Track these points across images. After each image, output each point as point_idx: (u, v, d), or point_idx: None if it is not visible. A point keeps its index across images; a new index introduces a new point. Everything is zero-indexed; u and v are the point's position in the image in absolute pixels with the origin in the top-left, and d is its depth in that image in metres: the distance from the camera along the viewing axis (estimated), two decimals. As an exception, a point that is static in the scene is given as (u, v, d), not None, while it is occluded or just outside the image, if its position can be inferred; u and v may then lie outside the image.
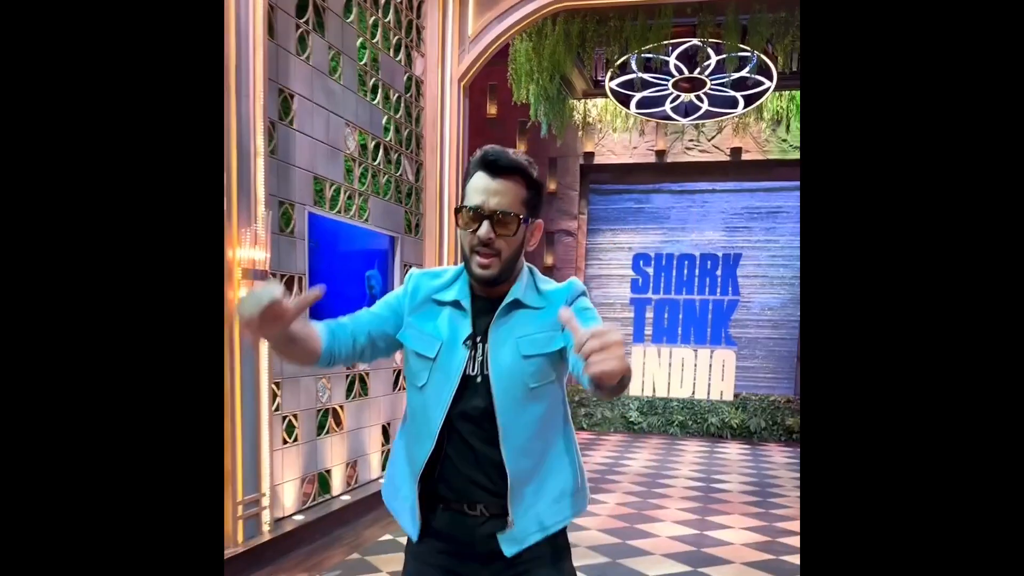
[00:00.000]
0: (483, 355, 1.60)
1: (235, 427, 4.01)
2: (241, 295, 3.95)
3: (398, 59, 5.87)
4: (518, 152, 1.60)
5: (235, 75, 3.89)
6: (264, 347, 4.16)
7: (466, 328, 1.61)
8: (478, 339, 1.61)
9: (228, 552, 3.96)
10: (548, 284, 1.68)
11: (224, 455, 3.98)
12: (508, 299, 1.61)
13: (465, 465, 1.61)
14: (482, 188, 1.55)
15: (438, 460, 1.62)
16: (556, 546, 1.67)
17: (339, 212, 5.13)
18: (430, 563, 1.67)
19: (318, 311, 4.87)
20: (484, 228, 1.53)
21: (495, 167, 1.54)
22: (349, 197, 5.25)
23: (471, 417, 1.59)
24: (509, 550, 1.60)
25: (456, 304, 1.63)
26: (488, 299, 1.63)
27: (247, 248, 3.96)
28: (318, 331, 1.59)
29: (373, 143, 5.55)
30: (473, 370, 1.59)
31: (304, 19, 4.65)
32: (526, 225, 1.59)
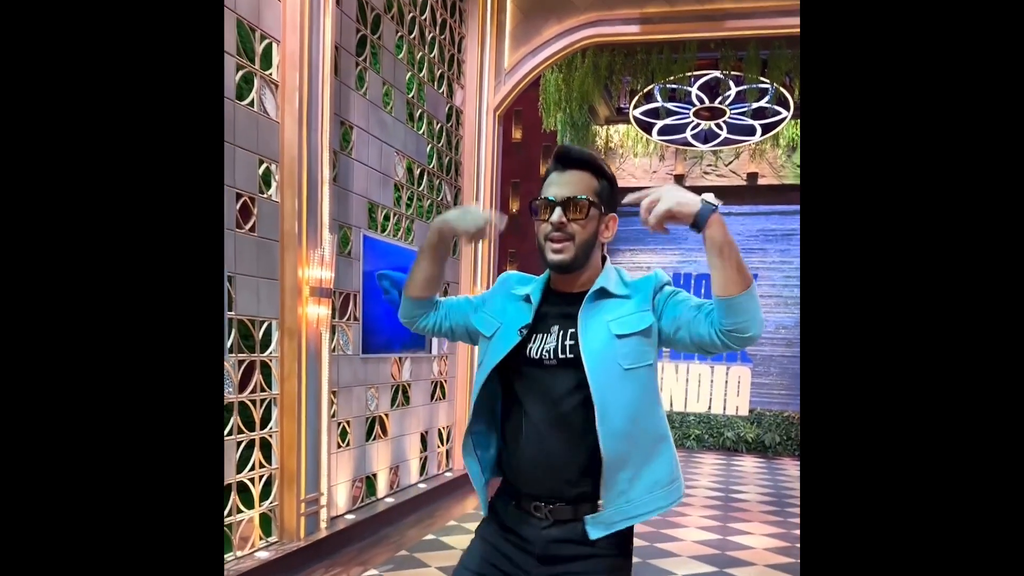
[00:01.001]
0: (559, 340, 1.61)
1: (300, 432, 4.38)
2: (310, 310, 4.34)
3: (441, 91, 6.28)
4: (588, 149, 1.68)
5: (306, 110, 4.29)
6: (325, 356, 4.54)
7: (525, 318, 1.66)
8: (539, 328, 1.65)
9: (291, 546, 4.32)
10: (632, 277, 1.71)
11: (291, 457, 4.36)
12: (596, 287, 1.63)
13: (540, 461, 1.62)
14: (554, 180, 1.62)
15: (516, 449, 1.65)
16: (614, 567, 1.65)
17: (388, 234, 5.52)
18: (492, 543, 1.71)
19: (366, 321, 5.21)
20: (556, 213, 1.58)
21: (566, 159, 1.62)
22: (397, 220, 5.64)
23: (549, 406, 1.61)
24: (595, 533, 1.60)
25: (526, 298, 1.69)
26: (567, 295, 1.66)
27: (315, 268, 4.35)
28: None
29: (418, 170, 5.95)
30: (538, 354, 1.62)
31: (362, 56, 5.06)
32: (599, 212, 1.61)
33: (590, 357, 1.57)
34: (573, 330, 1.61)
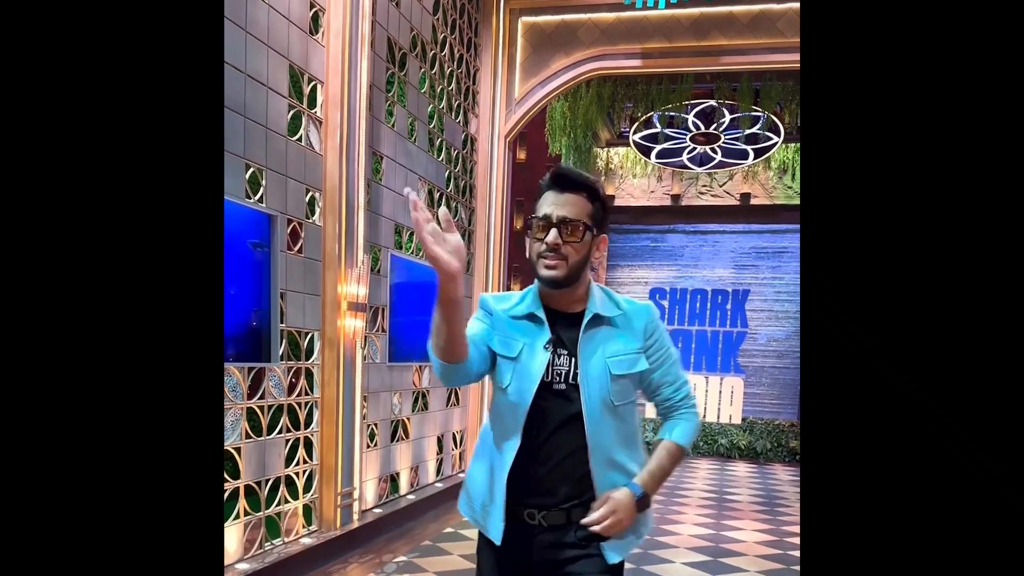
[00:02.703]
0: (568, 366, 1.67)
1: (338, 432, 4.87)
2: (348, 322, 4.84)
3: (457, 120, 6.82)
4: (584, 172, 1.71)
5: (346, 144, 4.81)
6: (359, 364, 5.04)
7: (545, 333, 1.67)
8: (558, 347, 1.68)
9: (330, 534, 4.80)
10: (625, 301, 1.75)
11: (330, 454, 4.85)
12: (589, 314, 1.67)
13: (537, 473, 1.68)
14: (551, 200, 1.64)
15: (514, 464, 1.67)
16: (607, 568, 1.72)
17: (411, 253, 6.04)
18: (501, 564, 1.76)
19: (392, 332, 5.72)
20: (552, 234, 1.61)
21: (563, 182, 1.65)
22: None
23: (553, 424, 1.67)
24: (613, 558, 1.71)
25: (531, 316, 1.70)
26: (561, 313, 1.70)
27: (352, 285, 4.86)
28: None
29: (437, 193, 6.47)
30: (550, 377, 1.66)
31: (391, 92, 5.59)
32: (592, 235, 1.65)
33: (587, 390, 1.65)
34: (576, 359, 1.67)
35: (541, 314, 1.69)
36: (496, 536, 1.69)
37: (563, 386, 1.66)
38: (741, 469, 9.64)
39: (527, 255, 1.71)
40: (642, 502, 1.70)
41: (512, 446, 1.66)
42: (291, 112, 4.44)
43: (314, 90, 4.69)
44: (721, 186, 10.52)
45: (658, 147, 9.29)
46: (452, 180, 6.75)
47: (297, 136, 4.51)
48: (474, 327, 1.73)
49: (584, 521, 1.66)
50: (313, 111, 4.67)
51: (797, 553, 5.47)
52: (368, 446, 5.47)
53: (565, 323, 1.69)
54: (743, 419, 10.55)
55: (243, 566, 4.05)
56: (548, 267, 1.63)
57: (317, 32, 4.69)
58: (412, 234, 6.00)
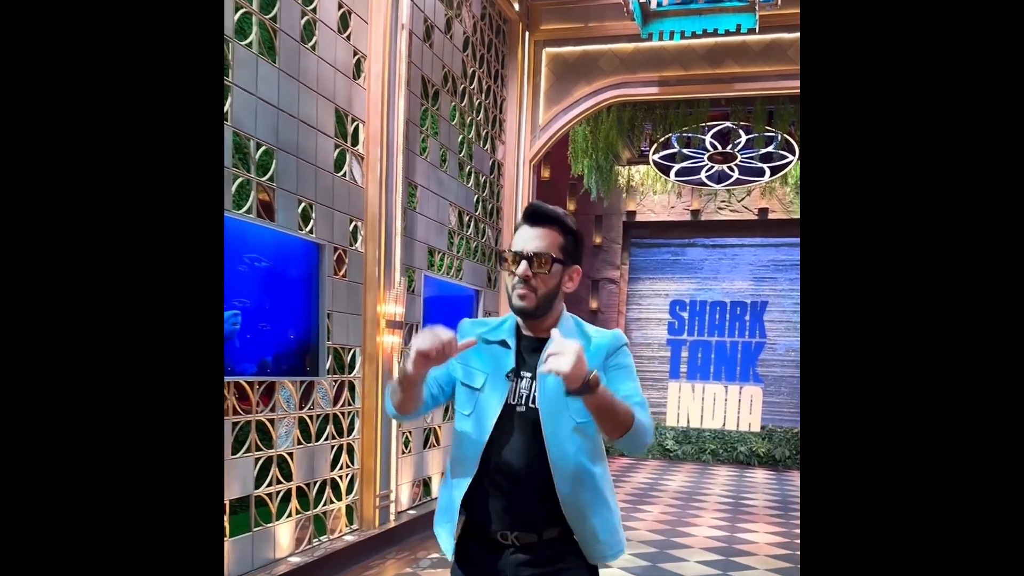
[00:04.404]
0: (530, 388, 1.73)
1: (376, 439, 5.34)
2: (386, 339, 5.32)
3: (485, 148, 7.28)
4: (557, 207, 1.77)
5: (385, 176, 5.28)
6: (396, 376, 5.50)
7: (509, 363, 1.76)
8: (520, 372, 1.75)
9: (369, 533, 5.27)
10: (593, 329, 1.82)
11: (369, 459, 5.33)
12: (551, 340, 1.67)
13: (504, 493, 1.72)
14: (524, 235, 1.72)
15: (480, 486, 1.73)
16: None
17: (442, 273, 6.51)
18: None
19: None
20: (522, 266, 1.68)
21: (534, 217, 1.73)
22: (449, 261, 6.62)
23: (516, 445, 1.72)
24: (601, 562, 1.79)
25: (503, 343, 1.78)
26: (535, 339, 1.77)
27: (390, 305, 5.34)
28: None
29: (467, 217, 6.94)
30: (514, 399, 1.74)
31: (424, 126, 6.06)
32: (562, 267, 1.72)
33: (545, 411, 1.71)
34: (535, 381, 1.73)
35: (512, 341, 1.77)
36: (449, 552, 1.78)
37: (523, 408, 1.73)
38: (759, 476, 9.98)
39: (505, 288, 1.79)
40: (592, 380, 1.52)
41: (471, 470, 1.72)
42: (337, 150, 4.93)
43: (357, 129, 5.18)
44: (739, 201, 10.88)
45: (677, 166, 9.70)
46: (480, 204, 7.21)
47: (342, 172, 5.00)
48: (437, 371, 1.79)
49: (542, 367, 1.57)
50: (356, 148, 5.16)
51: (804, 554, 5.84)
52: (403, 452, 5.93)
53: (531, 348, 1.77)
54: (762, 427, 10.88)
55: (295, 559, 4.52)
56: (519, 296, 1.70)
57: (359, 77, 5.18)
58: (443, 256, 6.48)
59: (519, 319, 1.79)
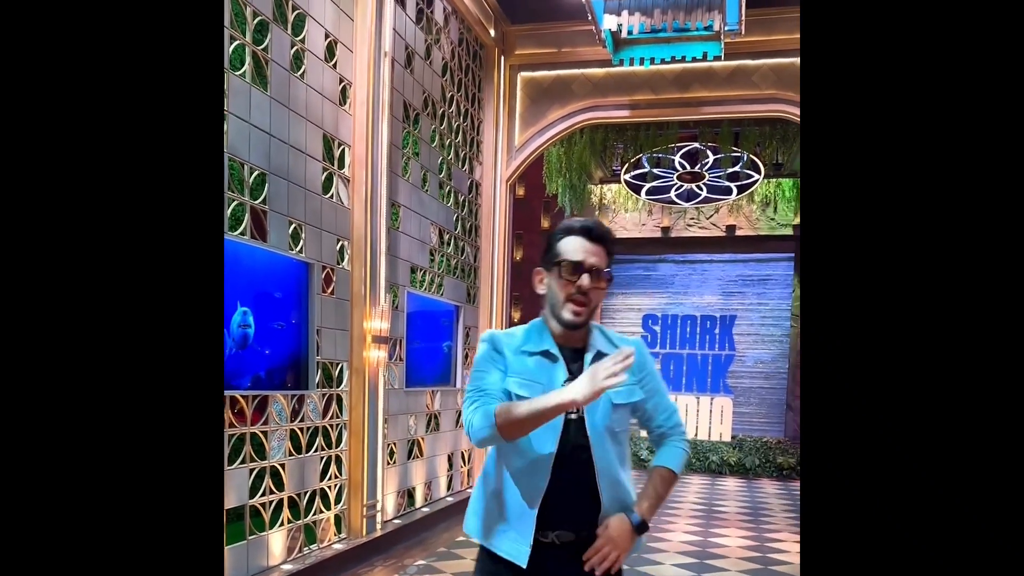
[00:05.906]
0: None
1: (363, 451, 5.54)
2: (372, 354, 5.53)
3: (464, 168, 7.54)
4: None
5: (370, 198, 5.51)
6: (381, 390, 5.71)
7: (563, 373, 1.81)
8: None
9: (357, 541, 5.45)
10: (617, 337, 1.90)
11: (357, 470, 5.51)
12: (592, 351, 1.82)
13: (561, 495, 1.80)
14: (582, 248, 1.74)
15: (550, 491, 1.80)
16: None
17: (424, 289, 6.73)
18: None
19: (408, 360, 6.45)
20: (586, 279, 1.72)
21: (593, 233, 1.77)
22: (430, 278, 6.86)
23: (567, 453, 1.79)
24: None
25: (546, 354, 1.82)
26: (569, 348, 1.83)
27: (376, 320, 5.55)
28: None
29: (447, 235, 7.18)
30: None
31: (407, 149, 6.31)
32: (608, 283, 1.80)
33: (591, 420, 1.80)
34: None
35: (556, 351, 1.82)
36: (523, 560, 1.80)
37: (574, 415, 1.80)
38: (731, 484, 10.27)
39: (547, 292, 1.82)
40: (640, 528, 1.83)
41: (544, 477, 1.79)
42: (324, 174, 5.16)
43: (343, 153, 5.41)
44: (708, 219, 11.25)
45: (647, 185, 10.04)
46: (460, 222, 7.46)
47: (329, 194, 5.23)
48: (493, 377, 1.83)
49: (586, 556, 1.79)
50: (342, 171, 5.39)
51: (776, 557, 6.12)
52: (388, 463, 6.13)
53: (571, 358, 1.83)
54: (733, 437, 11.20)
55: (287, 567, 4.70)
56: (575, 312, 1.76)
57: (345, 103, 5.42)
58: (425, 272, 6.70)
59: (554, 328, 1.84)
